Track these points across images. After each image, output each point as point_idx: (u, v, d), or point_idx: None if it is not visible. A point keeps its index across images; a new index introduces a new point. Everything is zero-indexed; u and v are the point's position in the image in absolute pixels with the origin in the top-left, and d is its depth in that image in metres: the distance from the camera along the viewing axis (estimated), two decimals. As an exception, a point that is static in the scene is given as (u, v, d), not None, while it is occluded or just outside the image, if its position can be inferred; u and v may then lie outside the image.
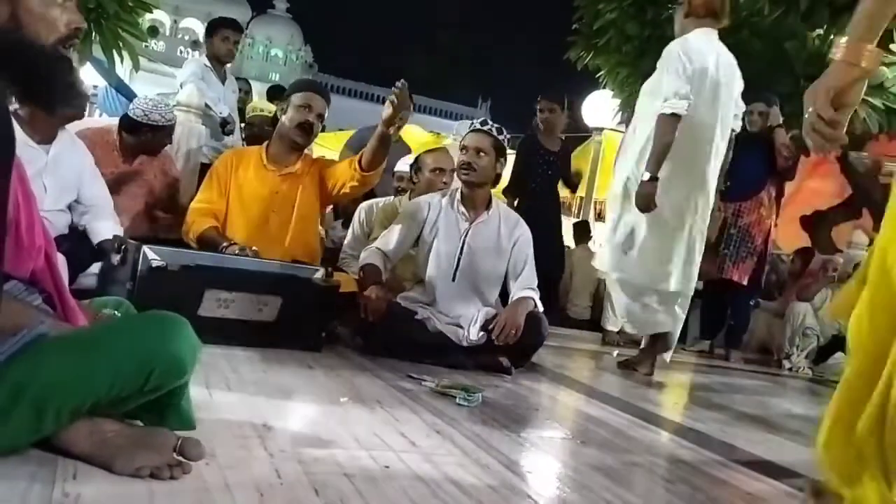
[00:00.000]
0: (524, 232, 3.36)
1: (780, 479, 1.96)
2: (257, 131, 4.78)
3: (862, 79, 1.44)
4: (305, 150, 3.44)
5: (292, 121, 3.27)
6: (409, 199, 3.80)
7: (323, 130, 3.57)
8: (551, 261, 4.78)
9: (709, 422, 2.73)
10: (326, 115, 3.40)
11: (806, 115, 1.46)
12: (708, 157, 3.49)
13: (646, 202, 3.37)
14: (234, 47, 5.04)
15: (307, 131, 3.29)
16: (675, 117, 3.31)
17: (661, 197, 3.36)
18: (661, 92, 3.38)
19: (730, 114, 3.54)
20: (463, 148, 3.26)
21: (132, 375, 1.26)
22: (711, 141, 3.47)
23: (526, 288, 3.24)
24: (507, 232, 3.31)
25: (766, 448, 2.38)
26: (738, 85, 3.57)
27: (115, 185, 3.67)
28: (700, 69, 3.38)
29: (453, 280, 3.24)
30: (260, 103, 5.65)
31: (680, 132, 3.34)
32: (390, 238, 3.29)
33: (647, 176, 3.37)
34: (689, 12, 3.55)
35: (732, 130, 3.65)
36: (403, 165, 4.51)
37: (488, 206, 3.32)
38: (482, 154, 3.22)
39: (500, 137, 3.27)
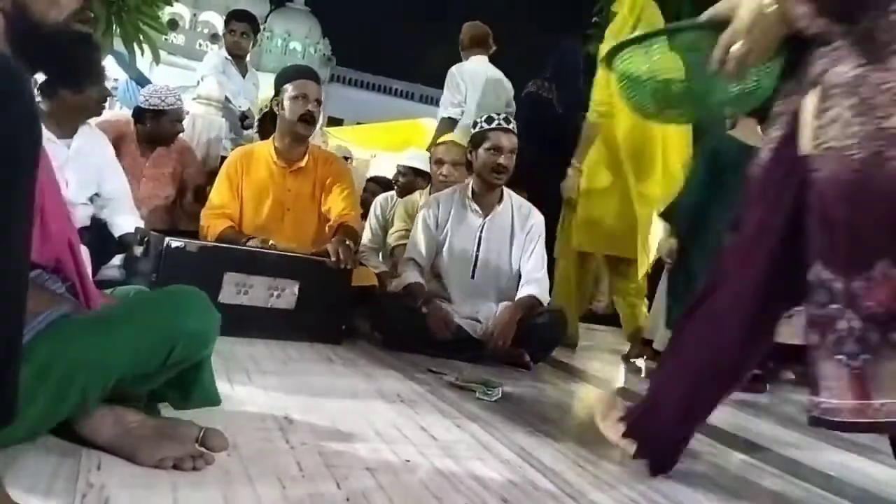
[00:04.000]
0: (538, 220, 3.34)
1: (800, 477, 1.94)
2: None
3: None
4: (311, 142, 3.39)
5: (293, 113, 3.18)
6: (430, 190, 3.81)
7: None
8: None
9: (729, 417, 2.70)
10: (323, 97, 3.33)
11: None
12: None
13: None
14: (243, 39, 4.94)
15: (309, 121, 3.22)
16: (452, 120, 4.60)
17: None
18: (444, 103, 4.75)
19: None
20: (496, 148, 3.17)
21: (155, 350, 1.27)
22: None
23: (530, 282, 3.22)
24: (520, 222, 3.29)
25: (786, 444, 2.36)
26: (506, 95, 4.81)
27: (134, 178, 3.67)
28: (472, 85, 4.66)
29: (472, 277, 3.23)
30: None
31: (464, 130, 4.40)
32: (418, 247, 3.26)
33: None
34: (464, 46, 4.89)
35: None
36: (410, 161, 4.56)
37: (500, 198, 3.29)
38: (513, 155, 3.20)
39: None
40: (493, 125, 3.20)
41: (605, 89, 3.74)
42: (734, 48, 1.47)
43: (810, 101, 1.43)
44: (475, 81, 4.70)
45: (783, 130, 1.53)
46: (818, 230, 1.39)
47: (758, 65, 1.53)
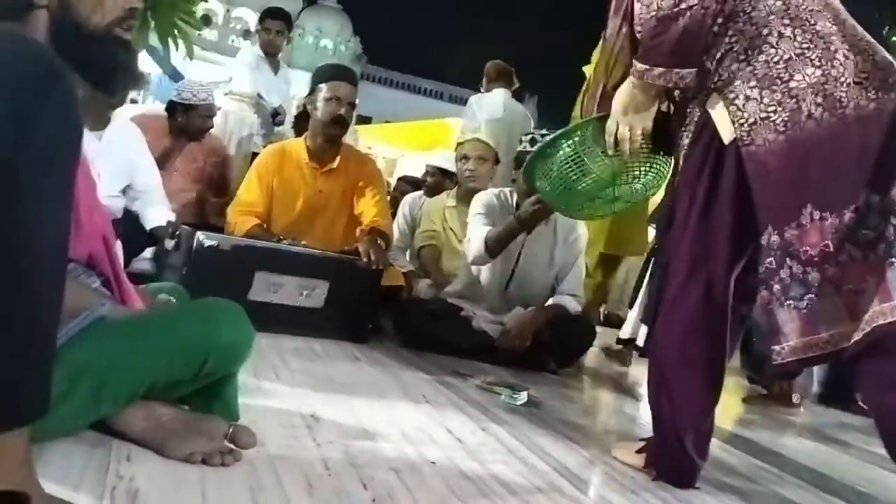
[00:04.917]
0: (580, 235, 3.26)
1: (830, 492, 1.92)
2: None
3: None
4: (345, 141, 3.37)
5: (325, 115, 3.16)
6: (458, 191, 3.80)
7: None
8: None
9: (758, 430, 2.67)
10: (357, 99, 3.32)
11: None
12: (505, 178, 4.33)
13: None
14: (278, 37, 4.97)
15: (340, 124, 3.19)
16: None
17: None
18: (463, 130, 4.91)
19: (515, 145, 4.08)
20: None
21: (188, 361, 1.28)
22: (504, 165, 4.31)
23: (564, 294, 3.16)
24: (563, 236, 3.20)
25: (817, 459, 2.33)
26: (521, 127, 4.78)
27: (162, 164, 3.66)
28: (487, 115, 4.90)
29: (506, 290, 3.19)
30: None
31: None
32: (485, 225, 3.14)
33: None
34: (490, 79, 5.16)
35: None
36: (438, 162, 4.56)
37: None
38: None
39: None
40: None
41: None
42: (619, 132, 1.69)
43: (717, 102, 1.56)
44: (492, 111, 4.96)
45: (690, 137, 1.66)
46: (760, 196, 1.49)
47: (644, 139, 1.70)
